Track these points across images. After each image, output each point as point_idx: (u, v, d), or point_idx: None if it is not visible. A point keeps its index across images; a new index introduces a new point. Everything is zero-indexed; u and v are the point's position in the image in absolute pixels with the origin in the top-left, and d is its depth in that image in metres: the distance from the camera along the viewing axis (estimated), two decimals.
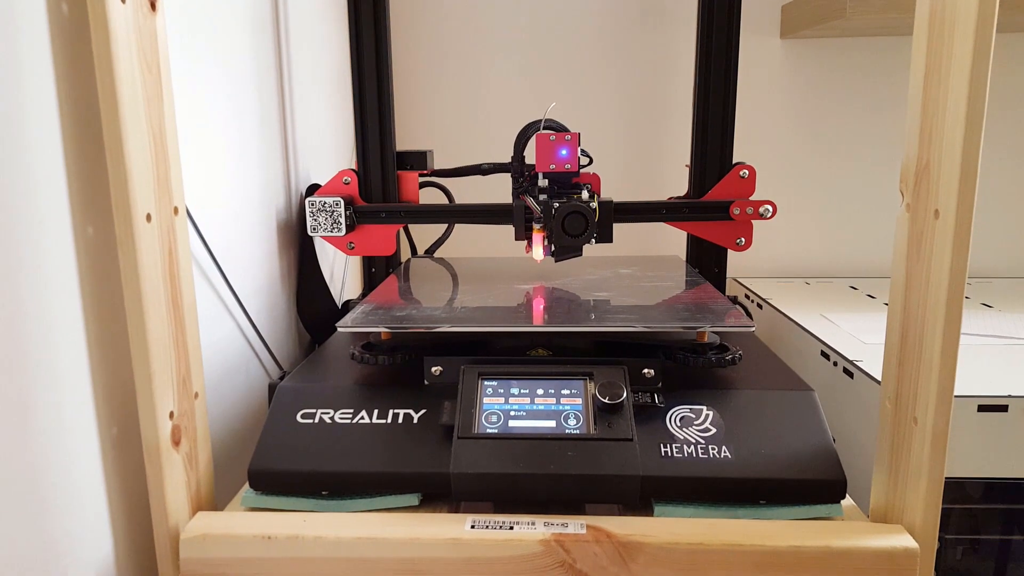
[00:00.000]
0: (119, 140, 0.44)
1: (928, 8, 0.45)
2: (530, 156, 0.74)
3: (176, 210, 0.50)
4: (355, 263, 1.04)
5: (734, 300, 0.86)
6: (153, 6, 0.47)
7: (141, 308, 0.46)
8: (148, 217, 0.46)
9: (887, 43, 1.13)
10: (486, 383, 0.54)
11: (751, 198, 0.79)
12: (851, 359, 0.75)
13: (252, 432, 0.69)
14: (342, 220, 0.78)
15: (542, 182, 0.74)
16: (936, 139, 0.44)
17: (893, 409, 0.49)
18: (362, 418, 0.54)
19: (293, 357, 0.82)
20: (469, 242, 1.15)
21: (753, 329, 0.56)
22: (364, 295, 0.85)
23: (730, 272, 1.05)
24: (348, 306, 0.85)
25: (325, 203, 0.78)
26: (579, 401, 0.52)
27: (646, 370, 0.56)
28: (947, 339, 0.44)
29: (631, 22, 1.15)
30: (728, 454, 0.50)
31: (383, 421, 0.54)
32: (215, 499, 0.55)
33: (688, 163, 0.84)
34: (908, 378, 0.47)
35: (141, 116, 0.46)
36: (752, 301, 1.06)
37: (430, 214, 0.82)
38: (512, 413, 0.52)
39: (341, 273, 0.99)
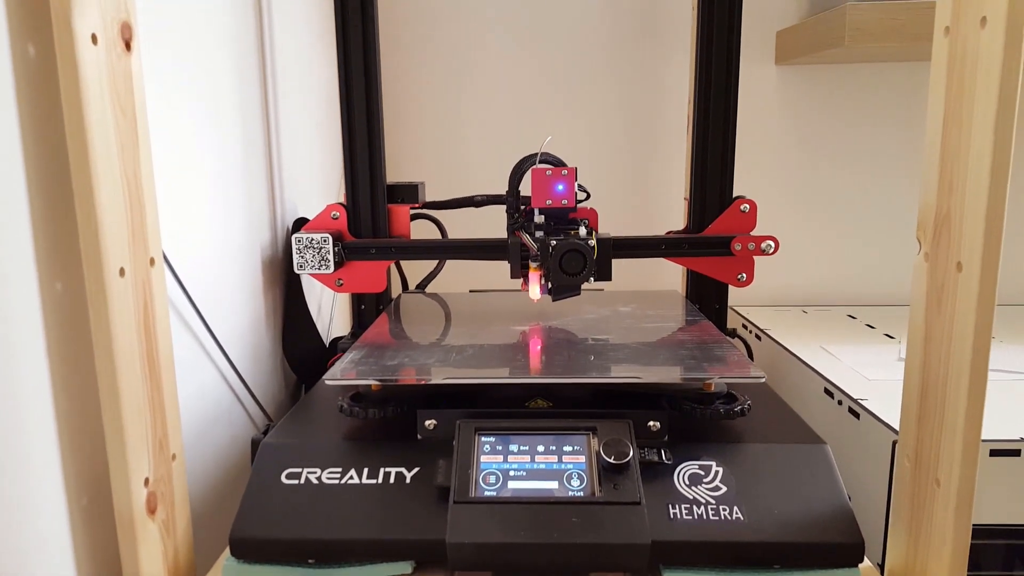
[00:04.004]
0: (89, 190, 0.41)
1: (946, 51, 0.43)
2: (525, 189, 0.71)
3: (152, 261, 0.47)
4: (344, 297, 1.01)
5: (733, 333, 0.84)
6: (128, 46, 0.44)
7: (113, 369, 0.43)
8: (121, 271, 0.43)
9: (885, 68, 1.12)
10: (483, 439, 0.51)
11: (752, 233, 0.77)
12: (856, 398, 0.73)
13: (235, 487, 0.66)
14: (330, 257, 0.75)
15: (538, 218, 0.71)
16: (958, 189, 0.42)
17: (912, 468, 0.47)
18: (351, 478, 0.51)
19: (278, 400, 0.79)
20: (462, 273, 1.12)
21: (763, 380, 0.53)
22: (353, 334, 0.82)
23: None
24: (336, 345, 0.82)
25: (312, 239, 0.75)
26: (582, 459, 0.50)
27: (652, 423, 0.53)
28: (973, 401, 0.41)
29: (627, 53, 1.13)
30: (740, 515, 0.48)
31: (374, 481, 0.50)
32: (195, 566, 0.52)
33: (686, 196, 0.81)
34: (929, 436, 0.45)
35: (114, 163, 0.43)
36: (751, 332, 1.04)
37: (422, 250, 0.79)
38: (511, 473, 0.49)
39: (329, 308, 0.96)
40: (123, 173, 0.44)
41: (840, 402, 0.75)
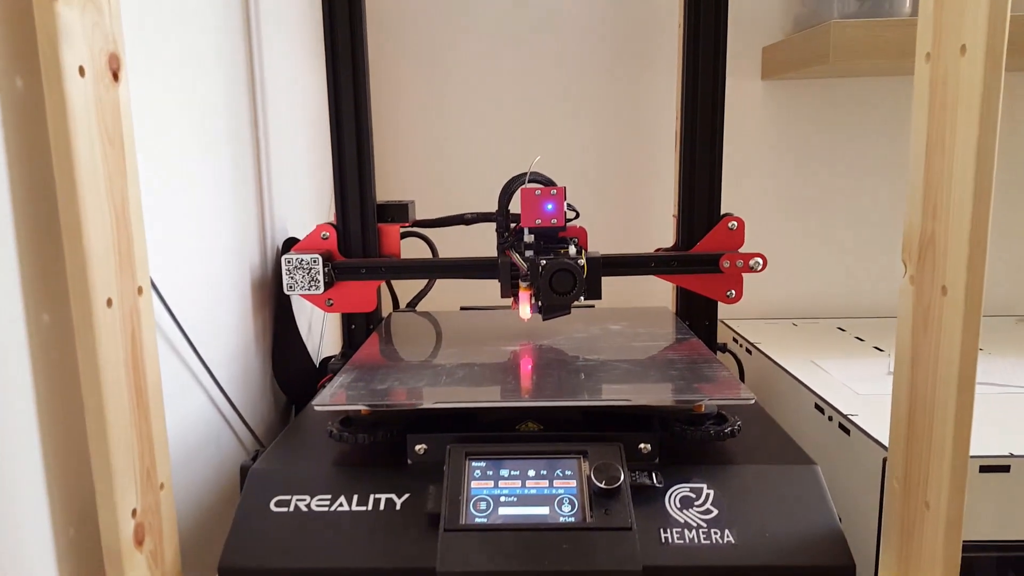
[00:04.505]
0: (76, 220, 0.41)
1: (928, 77, 0.44)
2: (515, 206, 0.71)
3: (140, 289, 0.46)
4: (334, 316, 1.01)
5: (724, 347, 0.85)
6: (116, 76, 0.44)
7: (100, 400, 0.43)
8: (109, 302, 0.43)
9: (871, 83, 1.13)
10: (474, 464, 0.51)
11: (740, 250, 0.78)
12: (846, 413, 0.73)
13: (224, 513, 0.65)
14: (320, 277, 0.75)
15: (528, 237, 0.72)
16: (942, 212, 0.43)
17: (902, 490, 0.47)
18: (341, 505, 0.50)
19: (268, 421, 0.79)
20: (453, 289, 1.12)
21: (753, 401, 0.54)
22: (343, 354, 0.81)
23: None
24: (326, 365, 0.82)
25: (302, 260, 0.75)
26: (573, 483, 0.50)
27: (643, 445, 0.53)
28: (960, 425, 0.41)
29: (615, 70, 1.14)
30: (731, 538, 0.48)
31: (363, 508, 0.50)
32: None
33: (675, 213, 0.82)
34: (918, 458, 0.45)
35: (102, 194, 0.43)
36: (741, 346, 1.05)
37: (412, 270, 0.79)
38: (502, 499, 0.49)
39: (319, 327, 0.96)
40: (111, 203, 0.43)
41: (831, 418, 0.76)
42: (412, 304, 0.94)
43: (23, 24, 0.41)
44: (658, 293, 1.15)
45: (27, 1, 0.40)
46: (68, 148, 0.40)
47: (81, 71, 0.41)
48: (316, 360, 0.87)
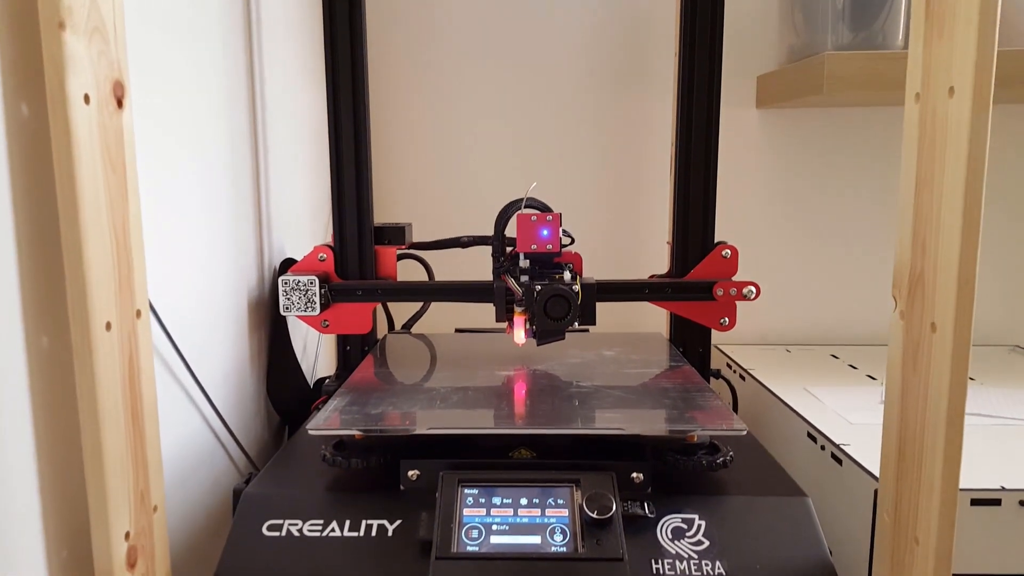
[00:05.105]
0: (78, 245, 0.42)
1: (917, 116, 0.45)
2: (511, 230, 0.72)
3: (139, 313, 0.47)
4: (329, 336, 1.01)
5: (717, 373, 0.85)
6: (120, 103, 0.45)
7: (97, 423, 0.43)
8: (108, 326, 0.43)
9: (865, 112, 1.15)
10: (466, 491, 0.51)
11: (734, 278, 0.78)
12: (838, 443, 0.73)
13: (216, 536, 0.65)
14: (316, 299, 0.76)
15: (523, 262, 0.72)
16: (931, 250, 0.44)
17: (892, 524, 0.47)
18: (333, 530, 0.50)
19: (261, 442, 0.79)
20: (448, 310, 1.12)
21: (744, 432, 0.54)
22: (338, 375, 0.81)
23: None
24: (320, 386, 0.82)
25: (299, 282, 0.75)
26: (565, 512, 0.50)
27: (635, 474, 0.53)
28: (948, 461, 0.42)
29: (612, 97, 1.15)
30: (722, 570, 0.48)
31: (355, 534, 0.50)
32: None
33: (669, 240, 0.83)
34: (908, 492, 0.46)
35: (103, 219, 0.43)
36: (734, 371, 1.05)
37: (408, 292, 0.79)
38: (494, 527, 0.49)
39: (314, 347, 0.96)
40: (112, 228, 0.44)
41: (823, 447, 0.76)
42: (407, 326, 0.94)
43: (29, 51, 0.41)
44: (652, 317, 1.16)
45: (35, 29, 0.40)
46: (72, 174, 0.41)
47: (86, 99, 0.42)
48: (310, 380, 0.87)
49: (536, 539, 0.48)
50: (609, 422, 0.56)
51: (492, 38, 1.13)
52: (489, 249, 0.75)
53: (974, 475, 0.65)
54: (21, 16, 0.41)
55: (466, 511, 0.50)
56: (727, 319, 0.79)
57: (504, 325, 0.74)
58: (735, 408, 0.85)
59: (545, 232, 0.71)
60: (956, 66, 0.41)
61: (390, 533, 0.50)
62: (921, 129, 0.44)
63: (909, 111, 0.46)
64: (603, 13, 1.13)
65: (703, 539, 0.50)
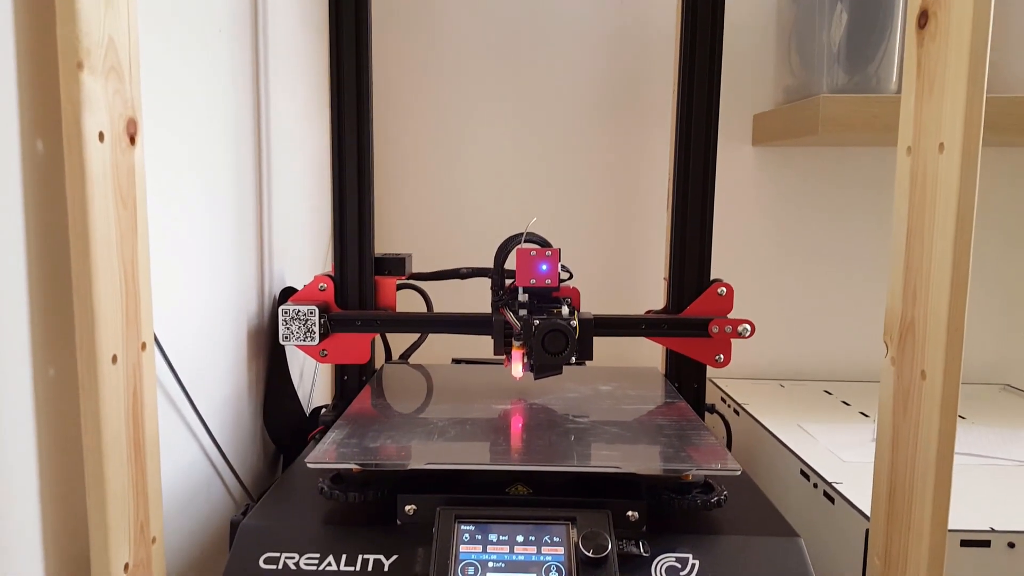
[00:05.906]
0: (88, 281, 0.42)
1: (909, 169, 0.46)
2: (510, 262, 0.73)
3: (144, 345, 0.48)
4: (327, 364, 1.02)
5: (712, 408, 0.86)
6: (133, 140, 0.46)
7: (100, 454, 0.43)
8: (114, 359, 0.44)
9: (860, 152, 1.17)
10: (463, 528, 0.52)
11: (729, 315, 0.79)
12: (831, 481, 0.74)
13: (214, 566, 0.65)
14: (315, 329, 0.76)
15: (522, 296, 0.73)
16: (921, 299, 0.45)
17: (883, 567, 0.48)
18: (329, 564, 0.51)
19: (256, 471, 0.79)
20: (446, 340, 1.13)
21: (739, 473, 0.55)
22: (335, 405, 0.82)
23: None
24: (317, 416, 0.82)
25: (299, 311, 0.76)
26: (561, 551, 0.50)
27: (631, 513, 0.54)
28: (937, 506, 0.43)
29: (609, 134, 1.17)
30: None
31: (351, 568, 0.50)
32: None
33: (666, 276, 0.84)
34: (898, 535, 0.46)
35: (113, 254, 0.44)
36: (729, 406, 1.06)
37: (407, 324, 0.80)
38: (490, 564, 0.49)
39: (311, 375, 0.96)
40: (121, 262, 0.45)
41: (816, 485, 0.76)
42: (405, 355, 0.95)
43: (46, 89, 0.42)
44: (647, 350, 1.17)
45: (52, 67, 0.41)
46: (84, 210, 0.42)
47: (100, 136, 0.43)
48: (307, 409, 0.88)
49: None
50: (605, 459, 0.56)
51: (494, 73, 1.16)
52: (487, 281, 0.76)
53: (964, 516, 0.66)
54: (39, 55, 0.42)
55: (462, 548, 0.50)
56: (722, 356, 0.80)
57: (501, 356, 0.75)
58: (729, 444, 0.85)
59: (544, 267, 0.72)
60: (946, 123, 0.43)
61: (386, 568, 0.50)
62: (912, 182, 0.46)
63: (901, 164, 0.47)
64: (606, 50, 1.15)
65: None
